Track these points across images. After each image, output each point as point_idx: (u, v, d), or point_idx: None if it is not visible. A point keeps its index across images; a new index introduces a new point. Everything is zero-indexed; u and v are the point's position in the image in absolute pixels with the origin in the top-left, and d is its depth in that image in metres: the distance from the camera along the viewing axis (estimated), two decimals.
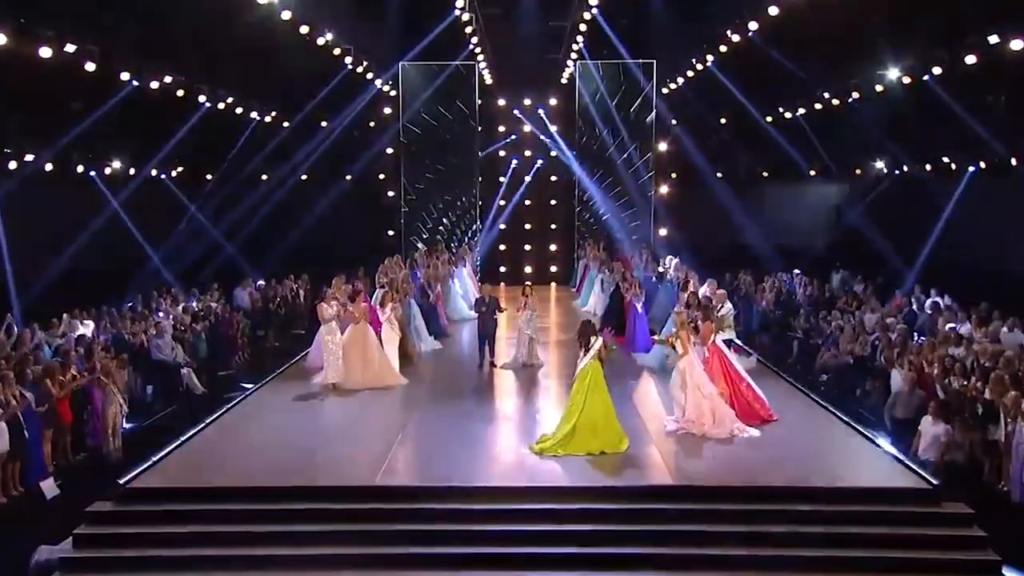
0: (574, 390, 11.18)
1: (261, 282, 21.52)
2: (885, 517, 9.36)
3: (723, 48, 19.82)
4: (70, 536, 9.30)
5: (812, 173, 25.03)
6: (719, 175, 26.34)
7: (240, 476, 10.10)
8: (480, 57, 24.71)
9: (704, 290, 15.54)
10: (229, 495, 9.70)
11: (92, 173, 20.86)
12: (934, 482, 9.66)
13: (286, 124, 25.35)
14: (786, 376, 15.24)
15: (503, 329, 16.84)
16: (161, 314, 17.06)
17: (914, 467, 10.17)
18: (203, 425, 11.86)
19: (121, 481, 9.72)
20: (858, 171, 24.86)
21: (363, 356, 13.95)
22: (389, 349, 14.57)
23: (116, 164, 21.40)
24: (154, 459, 10.43)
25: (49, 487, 10.97)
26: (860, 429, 11.75)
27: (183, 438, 11.20)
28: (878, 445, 11.11)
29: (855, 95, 20.33)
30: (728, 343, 14.13)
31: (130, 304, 17.55)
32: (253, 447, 11.17)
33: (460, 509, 9.54)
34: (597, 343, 11.14)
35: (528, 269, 27.37)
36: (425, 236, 25.50)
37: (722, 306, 14.25)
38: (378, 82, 24.70)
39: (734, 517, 9.54)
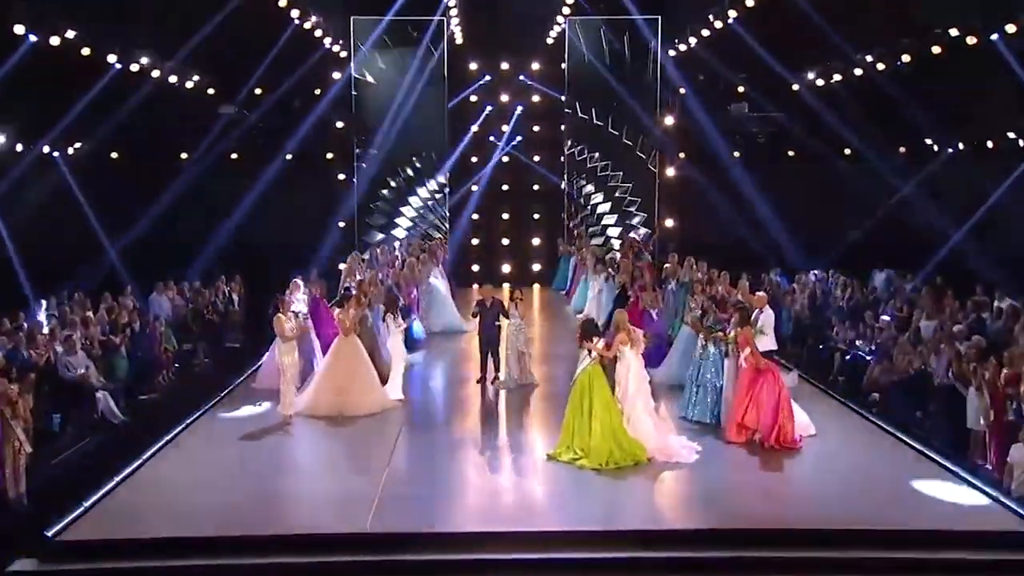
0: (573, 395, 12.12)
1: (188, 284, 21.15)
2: (989, 566, 9.50)
3: (749, 1, 19.92)
4: None
5: (848, 152, 25.26)
6: (736, 154, 26.53)
7: (194, 524, 9.99)
8: (454, 11, 24.65)
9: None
10: (184, 548, 9.56)
11: None
12: None
13: (211, 91, 24.99)
14: (835, 395, 15.49)
15: None
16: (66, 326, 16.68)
17: (1017, 508, 10.34)
18: (140, 462, 11.71)
19: (49, 533, 9.52)
20: (903, 149, 25.17)
21: (351, 375, 13.92)
22: (396, 366, 14.79)
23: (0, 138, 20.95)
24: (85, 505, 10.29)
25: None
26: (939, 459, 11.99)
27: (118, 478, 11.07)
28: (963, 478, 11.30)
29: (905, 58, 20.54)
30: (767, 355, 14.28)
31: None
32: (207, 488, 11.05)
33: (471, 560, 9.58)
34: (598, 344, 12.08)
35: (506, 268, 27.37)
36: (382, 225, 25.43)
37: (760, 311, 14.34)
38: (327, 41, 24.53)
39: (795, 566, 9.61)
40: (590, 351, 12.12)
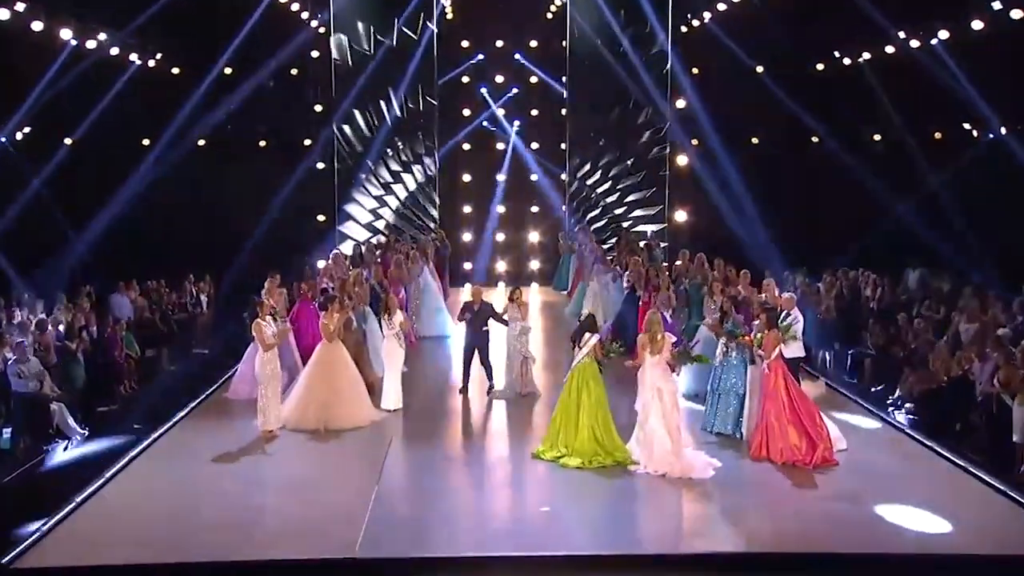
0: (565, 390, 12.86)
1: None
2: None
3: None
4: None
5: (877, 138, 25.27)
6: (755, 141, 26.52)
7: (164, 550, 9.96)
8: None
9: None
10: None
11: None
12: None
13: (176, 71, 24.93)
14: (867, 405, 15.55)
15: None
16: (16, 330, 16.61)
17: None
18: (101, 481, 11.69)
19: (2, 561, 9.52)
20: (938, 135, 25.24)
21: (337, 384, 13.94)
22: (391, 373, 14.75)
23: None
24: (42, 529, 10.25)
25: None
26: (982, 475, 12.03)
27: (77, 499, 11.04)
28: (1010, 497, 11.34)
29: (943, 34, 20.52)
30: (795, 362, 14.31)
31: None
32: (177, 510, 11.04)
33: None
34: (592, 339, 12.76)
35: (501, 266, 27.35)
36: (368, 221, 25.37)
37: (788, 314, 14.36)
38: (304, 15, 24.51)
39: None
40: (581, 346, 12.80)
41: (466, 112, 27.20)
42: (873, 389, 16.98)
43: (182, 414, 14.92)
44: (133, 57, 23.41)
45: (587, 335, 12.87)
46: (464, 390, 16.04)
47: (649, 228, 25.94)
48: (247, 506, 11.18)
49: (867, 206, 24.14)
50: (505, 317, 16.04)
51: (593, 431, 12.50)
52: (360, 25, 25.54)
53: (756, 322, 13.51)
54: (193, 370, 18.41)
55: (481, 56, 27.05)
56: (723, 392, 13.73)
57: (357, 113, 25.78)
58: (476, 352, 15.94)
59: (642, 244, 23.66)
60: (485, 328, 15.95)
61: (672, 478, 12.02)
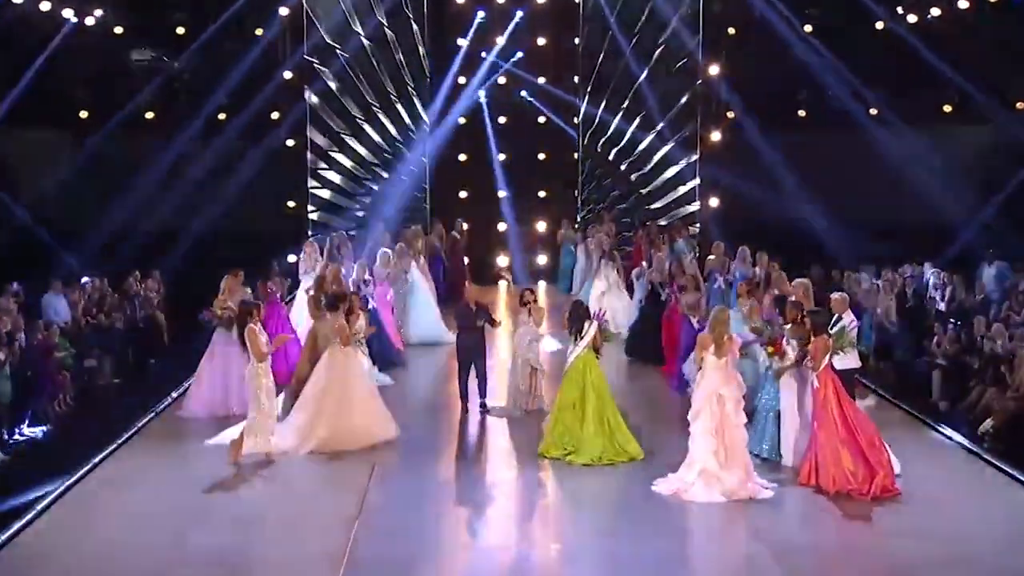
0: (564, 385, 13.85)
1: (86, 280, 21.13)
2: None
3: None
4: None
5: (948, 109, 25.29)
6: (801, 114, 26.53)
7: None
8: None
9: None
10: None
11: None
12: None
13: (119, 30, 24.97)
14: (934, 424, 15.51)
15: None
16: None
17: None
18: (29, 517, 11.66)
19: None
20: (1020, 104, 25.24)
21: (358, 395, 14.08)
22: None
23: None
24: None
25: None
26: None
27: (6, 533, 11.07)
28: None
29: None
30: (850, 374, 14.29)
31: None
32: (120, 552, 11.00)
33: None
34: (592, 329, 13.74)
35: (503, 261, 27.43)
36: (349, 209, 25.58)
37: (839, 318, 14.35)
38: None
39: None
40: (583, 336, 13.72)
41: (462, 80, 27.23)
42: (942, 406, 17.01)
43: (127, 436, 14.86)
44: (68, 13, 23.48)
45: (586, 324, 13.80)
46: (464, 407, 16.10)
47: (677, 214, 25.99)
48: (205, 547, 11.07)
49: (935, 186, 24.18)
50: (499, 319, 16.17)
51: (603, 424, 13.49)
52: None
53: (788, 326, 13.52)
54: (140, 383, 18.47)
55: (482, 13, 27.08)
56: (761, 410, 13.75)
57: (333, 80, 25.77)
58: (473, 362, 16.00)
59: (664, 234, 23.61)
60: (480, 335, 16.04)
61: (698, 503, 12.09)
